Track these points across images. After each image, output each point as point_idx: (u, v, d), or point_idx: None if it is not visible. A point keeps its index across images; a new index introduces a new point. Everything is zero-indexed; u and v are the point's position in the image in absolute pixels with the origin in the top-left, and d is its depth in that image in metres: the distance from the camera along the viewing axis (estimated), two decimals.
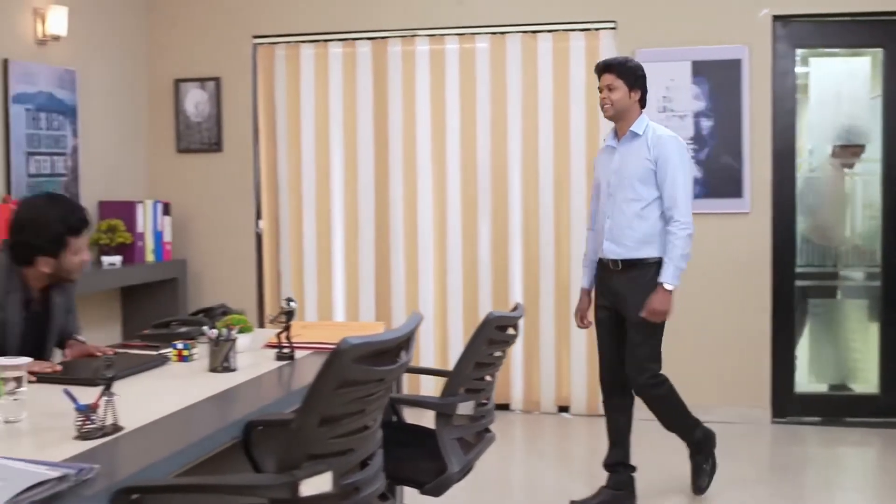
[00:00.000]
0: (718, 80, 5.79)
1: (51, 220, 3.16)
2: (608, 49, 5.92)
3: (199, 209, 6.43)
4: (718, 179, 5.82)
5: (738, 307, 5.85)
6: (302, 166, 6.33)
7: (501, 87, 6.05)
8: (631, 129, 4.34)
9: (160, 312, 5.86)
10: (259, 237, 6.46)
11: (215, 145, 6.42)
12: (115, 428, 2.30)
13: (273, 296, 6.47)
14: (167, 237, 6.14)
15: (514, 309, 3.22)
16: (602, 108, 4.38)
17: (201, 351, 3.29)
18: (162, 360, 3.18)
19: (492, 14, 6.05)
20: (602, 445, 4.75)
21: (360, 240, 6.27)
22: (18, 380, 2.42)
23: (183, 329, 3.58)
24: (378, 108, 6.23)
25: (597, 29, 5.96)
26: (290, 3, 6.29)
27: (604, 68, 4.37)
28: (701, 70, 5.81)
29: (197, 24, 6.40)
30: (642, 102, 4.39)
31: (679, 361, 5.84)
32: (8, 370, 2.38)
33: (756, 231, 5.82)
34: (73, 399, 2.24)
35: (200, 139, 6.44)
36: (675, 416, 4.61)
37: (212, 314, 3.79)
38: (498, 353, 3.15)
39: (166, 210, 6.13)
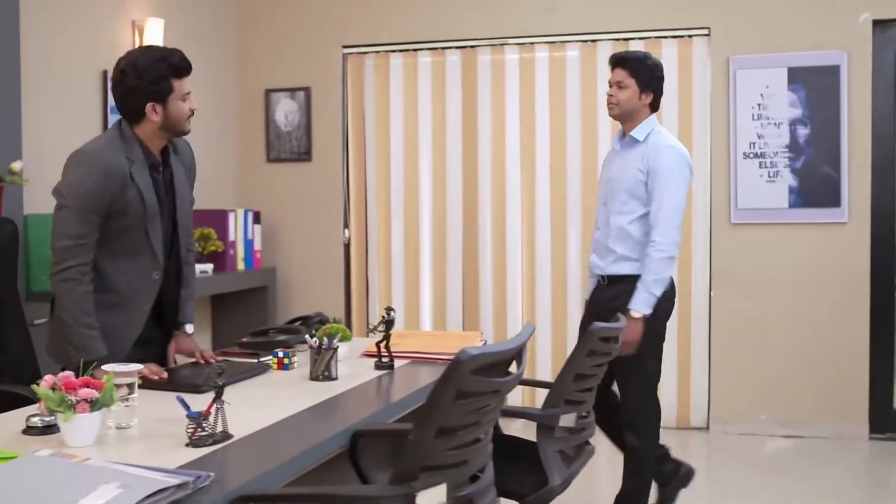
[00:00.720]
0: (816, 86, 5.66)
1: (150, 61, 3.02)
2: (701, 56, 5.84)
3: (288, 218, 6.49)
4: (815, 188, 5.68)
5: (834, 319, 5.70)
6: (390, 175, 6.36)
7: (592, 96, 6.00)
8: (631, 134, 3.98)
9: (249, 320, 5.94)
10: (347, 246, 6.49)
11: (305, 155, 6.47)
12: (225, 436, 2.30)
13: (360, 305, 6.50)
14: (257, 245, 6.20)
15: (616, 320, 3.16)
16: (607, 105, 4.04)
17: (300, 359, 3.30)
18: (263, 368, 3.19)
19: (582, 22, 6.00)
20: (692, 458, 4.66)
21: (448, 249, 6.26)
22: (130, 386, 2.44)
23: (281, 337, 3.59)
24: (467, 118, 6.23)
25: (689, 36, 5.87)
26: (380, 12, 6.33)
27: (617, 62, 4.00)
28: (797, 77, 5.68)
29: (287, 35, 6.47)
30: (654, 106, 4.02)
31: (773, 375, 5.75)
32: (121, 377, 2.40)
33: (854, 241, 5.66)
34: (186, 406, 2.24)
35: (290, 149, 6.50)
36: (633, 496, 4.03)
37: (309, 322, 3.80)
38: (598, 365, 3.10)
39: (257, 219, 6.19)
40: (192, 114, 3.15)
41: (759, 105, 5.74)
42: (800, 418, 5.74)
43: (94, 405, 2.23)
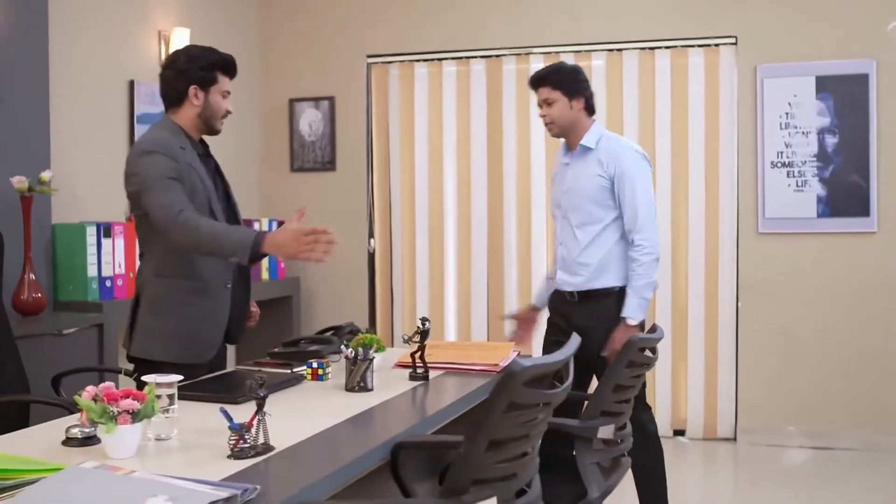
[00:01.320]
0: (844, 95, 5.62)
1: (203, 51, 3.29)
2: (728, 65, 5.81)
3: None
4: (844, 197, 5.64)
5: (864, 329, 5.65)
6: (415, 185, 6.34)
7: (618, 105, 5.97)
8: (581, 143, 3.87)
9: (274, 330, 5.92)
10: (371, 256, 6.47)
11: (329, 164, 6.47)
12: (266, 448, 2.28)
13: (385, 314, 6.48)
14: None
15: (654, 331, 3.13)
16: (546, 127, 3.94)
17: (333, 369, 3.28)
18: (298, 379, 3.17)
19: (608, 30, 5.98)
20: (719, 470, 4.60)
21: (473, 259, 6.24)
22: (171, 397, 2.43)
23: (312, 347, 3.57)
24: (492, 127, 6.21)
25: (716, 45, 5.84)
26: (404, 22, 6.32)
27: (536, 82, 3.90)
28: (826, 85, 5.64)
29: (311, 44, 6.47)
30: (589, 110, 3.92)
31: (802, 385, 5.71)
32: (161, 387, 2.38)
33: (883, 251, 5.62)
34: (229, 418, 2.22)
35: (314, 158, 6.49)
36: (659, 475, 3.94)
37: (340, 333, 3.78)
38: (636, 376, 3.07)
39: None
40: (227, 115, 3.37)
41: (786, 114, 5.70)
42: (829, 429, 5.69)
43: (135, 416, 2.21)
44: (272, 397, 2.91)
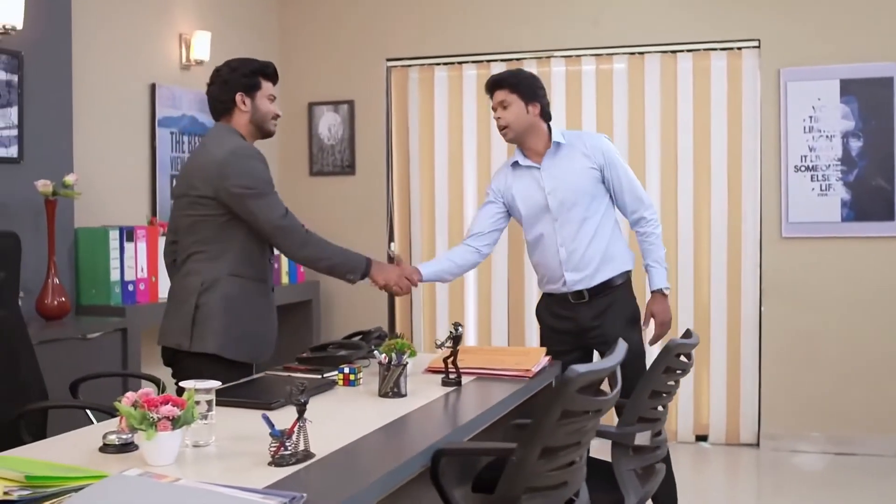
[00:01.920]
0: (868, 98, 5.57)
1: (242, 61, 3.43)
2: (751, 68, 5.77)
3: (331, 231, 6.32)
4: (868, 201, 5.59)
5: (888, 334, 5.60)
6: (435, 189, 6.31)
7: (639, 109, 5.94)
8: (553, 140, 3.84)
9: (294, 334, 5.90)
10: (391, 260, 6.43)
11: (348, 168, 6.44)
12: (307, 455, 2.25)
13: (404, 319, 6.45)
14: None
15: (689, 336, 3.09)
16: (500, 131, 3.88)
17: (364, 374, 3.25)
18: (330, 384, 3.14)
19: (629, 34, 5.95)
20: (741, 476, 4.55)
21: (493, 263, 6.20)
22: (210, 403, 2.40)
23: (342, 352, 3.54)
24: None
25: (739, 48, 5.81)
26: (424, 25, 6.29)
27: (493, 85, 3.86)
28: (850, 88, 5.60)
29: (330, 48, 6.44)
30: (545, 116, 3.87)
31: (826, 391, 5.66)
32: (200, 393, 2.36)
33: None
34: (271, 424, 2.19)
35: (333, 162, 6.47)
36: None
37: (368, 337, 3.75)
38: (672, 382, 3.03)
39: None
40: (277, 117, 3.49)
41: (810, 117, 5.66)
42: (853, 435, 5.64)
43: (175, 423, 2.19)
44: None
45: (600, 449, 2.97)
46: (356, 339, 3.79)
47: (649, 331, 3.96)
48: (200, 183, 3.28)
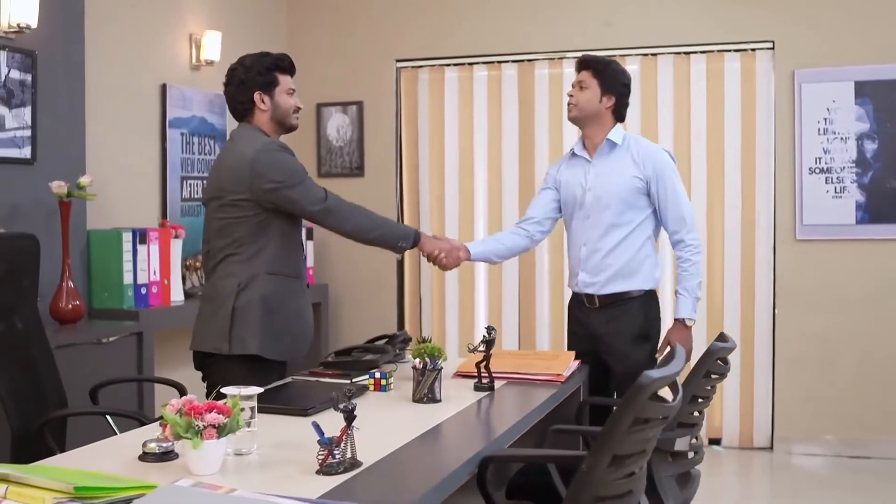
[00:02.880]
0: (884, 100, 5.55)
1: (257, 58, 3.38)
2: (765, 70, 5.74)
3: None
4: (883, 204, 5.56)
5: None
6: (445, 191, 6.26)
7: (652, 110, 5.89)
8: (608, 137, 3.75)
9: None
10: (400, 263, 6.38)
11: (357, 169, 6.38)
12: (354, 463, 2.20)
13: (413, 321, 6.39)
14: (310, 262, 6.10)
15: (725, 340, 3.04)
16: (567, 107, 3.84)
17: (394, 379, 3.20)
18: (361, 390, 3.09)
19: (642, 35, 5.91)
20: (755, 479, 4.50)
21: (504, 267, 6.15)
22: (252, 409, 2.34)
23: (368, 357, 3.49)
24: (524, 133, 6.13)
25: (753, 49, 5.77)
26: (434, 26, 6.24)
27: (581, 65, 3.81)
28: (865, 90, 5.57)
29: (339, 48, 6.38)
30: (617, 115, 3.80)
31: (840, 393, 5.63)
32: (244, 400, 2.30)
33: None
34: (320, 432, 2.14)
35: (342, 163, 6.41)
36: None
37: (394, 341, 3.70)
38: (710, 387, 2.99)
39: (309, 235, 6.09)
40: (298, 110, 3.44)
41: (825, 119, 5.63)
42: (867, 438, 5.61)
43: (221, 431, 2.13)
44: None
45: None
46: (380, 342, 3.75)
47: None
48: (232, 185, 3.23)
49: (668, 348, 3.72)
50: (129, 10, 4.96)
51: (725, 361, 3.01)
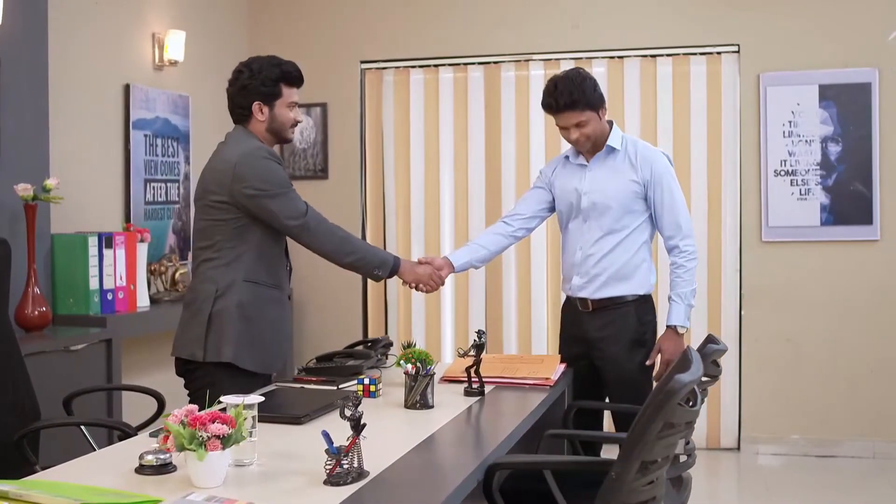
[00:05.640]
0: (847, 103, 5.61)
1: (266, 64, 3.26)
2: (730, 73, 5.78)
3: None
4: (846, 206, 5.63)
5: (868, 337, 5.64)
6: (411, 194, 6.20)
7: (619, 113, 5.88)
8: (608, 143, 3.67)
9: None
10: None
11: (321, 172, 6.30)
12: (361, 473, 2.14)
13: (377, 327, 6.32)
14: None
15: (716, 342, 3.03)
16: (578, 146, 3.68)
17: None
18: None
19: (609, 38, 5.91)
20: (722, 480, 4.51)
21: (471, 270, 6.10)
22: (254, 419, 2.28)
23: (351, 362, 3.43)
24: (490, 135, 6.09)
25: (718, 53, 5.80)
26: (400, 27, 6.18)
27: (562, 108, 3.58)
28: (828, 94, 5.63)
29: (303, 49, 6.27)
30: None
31: (806, 394, 5.69)
32: (248, 409, 2.23)
33: (887, 259, 5.61)
34: (329, 441, 2.08)
35: (306, 166, 6.33)
36: None
37: (376, 346, 3.64)
38: (704, 389, 2.97)
39: None
40: (296, 124, 3.34)
41: (789, 122, 5.68)
42: (833, 438, 5.67)
43: (225, 442, 2.06)
44: (329, 417, 2.78)
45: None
46: (359, 347, 3.69)
47: (655, 365, 3.73)
48: (214, 186, 3.16)
49: (658, 355, 3.67)
50: (92, 8, 4.84)
51: (717, 364, 3.00)
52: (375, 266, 3.41)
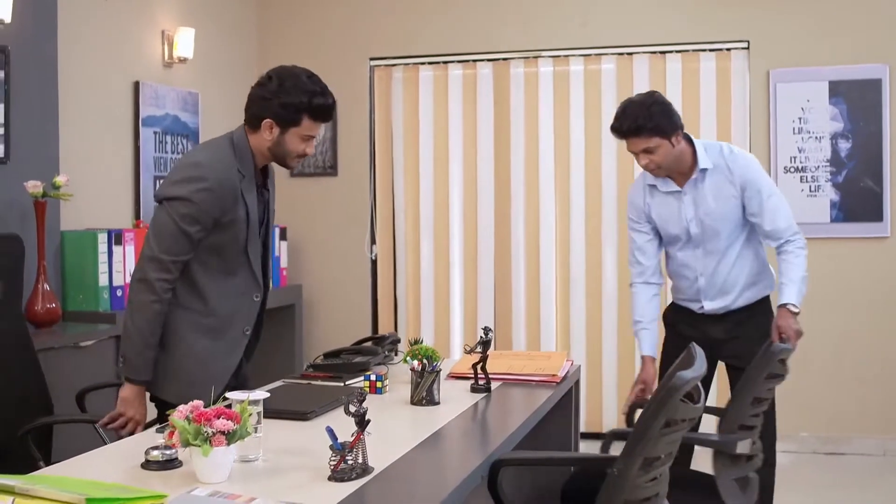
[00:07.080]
0: (857, 100, 5.59)
1: (297, 86, 2.86)
2: (740, 70, 5.76)
3: (313, 234, 6.32)
4: (857, 202, 5.61)
5: (878, 334, 5.62)
6: (420, 190, 6.21)
7: None
8: (700, 167, 3.58)
9: (276, 339, 5.76)
10: (374, 263, 6.32)
11: (331, 169, 6.31)
12: (365, 469, 2.15)
13: (387, 323, 6.32)
14: (283, 263, 6.02)
15: (785, 342, 3.02)
16: (647, 170, 3.61)
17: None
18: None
19: (618, 34, 5.90)
20: None
21: (480, 267, 6.12)
22: (259, 415, 2.28)
23: (358, 359, 3.43)
24: (499, 132, 6.09)
25: (728, 49, 5.79)
26: (409, 24, 6.19)
27: (627, 134, 3.49)
28: (839, 90, 5.61)
29: (312, 46, 6.30)
30: (684, 135, 3.58)
31: (815, 391, 5.66)
32: (254, 405, 2.23)
33: None
34: (334, 437, 2.09)
35: (315, 163, 6.33)
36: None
37: (382, 343, 3.65)
38: (772, 388, 2.97)
39: (283, 235, 6.01)
40: (304, 156, 2.98)
41: (799, 119, 5.66)
42: (843, 435, 5.65)
43: (230, 437, 2.07)
44: (335, 413, 2.78)
45: None
46: (366, 344, 3.70)
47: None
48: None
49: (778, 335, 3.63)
50: (101, 5, 4.86)
51: (784, 363, 2.98)
52: (122, 355, 2.92)
